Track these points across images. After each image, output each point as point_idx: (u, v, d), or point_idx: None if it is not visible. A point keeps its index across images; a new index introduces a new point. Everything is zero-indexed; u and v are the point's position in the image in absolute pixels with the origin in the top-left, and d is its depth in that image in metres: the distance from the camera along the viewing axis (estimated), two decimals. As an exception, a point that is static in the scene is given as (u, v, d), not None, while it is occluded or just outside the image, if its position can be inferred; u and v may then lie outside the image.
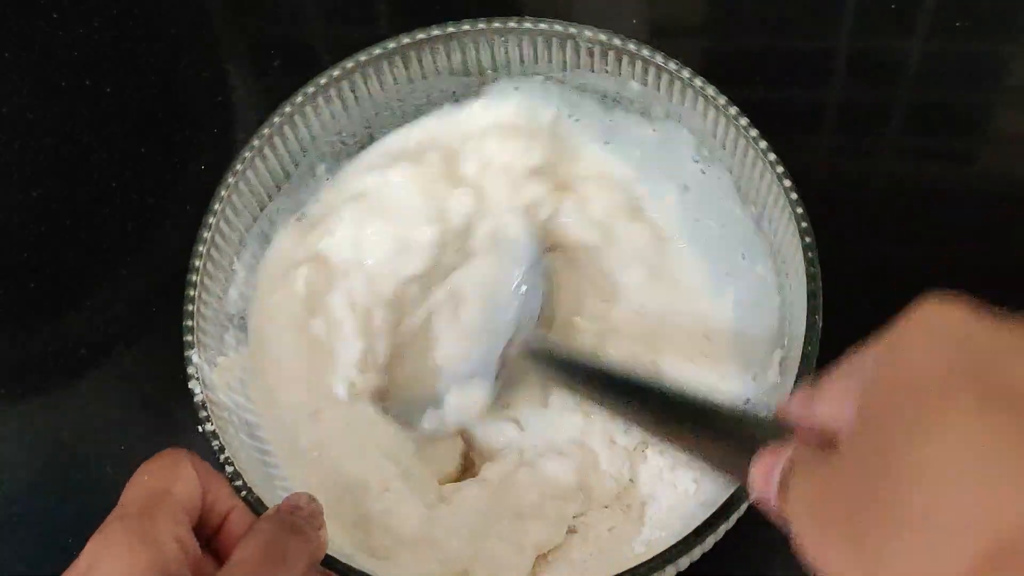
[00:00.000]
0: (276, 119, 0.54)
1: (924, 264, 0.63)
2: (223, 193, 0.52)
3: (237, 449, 0.47)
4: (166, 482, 0.41)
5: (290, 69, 0.71)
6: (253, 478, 0.46)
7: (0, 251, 0.66)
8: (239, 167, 0.53)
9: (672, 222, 0.57)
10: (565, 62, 0.55)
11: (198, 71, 0.72)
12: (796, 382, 0.46)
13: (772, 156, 0.50)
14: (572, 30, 0.54)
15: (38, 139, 0.69)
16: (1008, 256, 0.64)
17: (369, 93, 0.56)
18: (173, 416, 0.60)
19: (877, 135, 0.68)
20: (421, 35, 0.55)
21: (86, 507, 0.57)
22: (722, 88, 0.52)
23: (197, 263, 0.50)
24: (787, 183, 0.49)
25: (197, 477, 0.42)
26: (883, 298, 0.61)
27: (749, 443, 0.36)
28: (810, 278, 0.47)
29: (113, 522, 0.39)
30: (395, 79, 0.56)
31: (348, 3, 0.75)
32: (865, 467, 0.30)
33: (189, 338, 0.49)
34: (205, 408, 0.47)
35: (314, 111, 0.55)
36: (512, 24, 0.54)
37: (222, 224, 0.52)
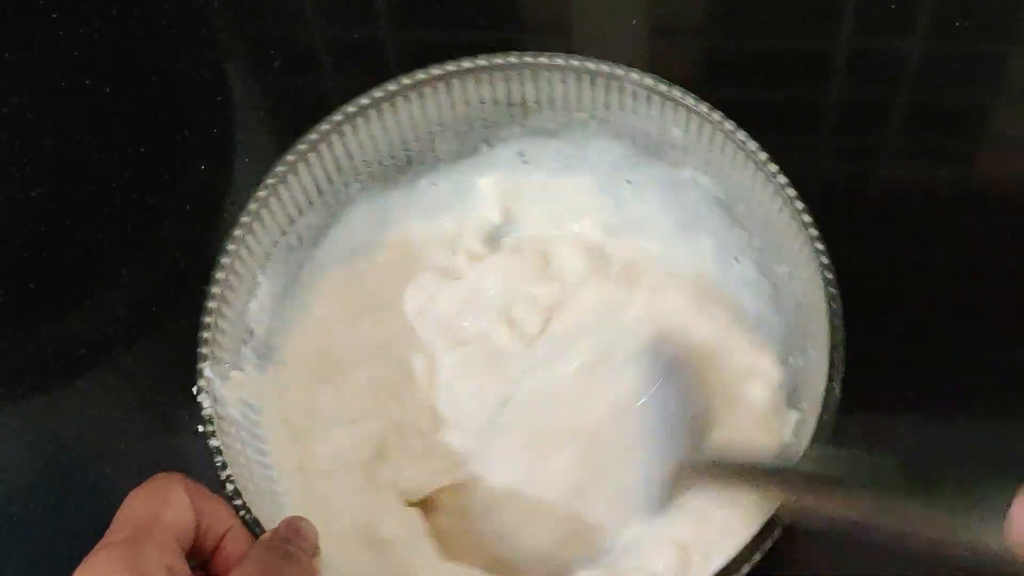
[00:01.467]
0: (313, 135, 0.53)
1: (924, 264, 0.63)
2: (252, 207, 0.51)
3: (242, 466, 0.47)
4: (156, 508, 0.40)
5: (290, 69, 0.71)
6: (255, 497, 0.46)
7: (0, 251, 0.66)
8: (271, 181, 0.52)
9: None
10: (608, 102, 0.55)
11: (198, 71, 0.72)
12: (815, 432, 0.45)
13: (807, 218, 0.50)
14: (619, 71, 0.53)
15: (38, 139, 0.69)
16: (1008, 256, 0.64)
17: (411, 116, 0.55)
18: (173, 416, 0.60)
19: (877, 135, 0.68)
20: (467, 64, 0.54)
21: (86, 507, 0.57)
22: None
23: (220, 275, 0.49)
24: (819, 246, 0.49)
25: (189, 501, 0.41)
26: (883, 299, 0.61)
27: (986, 500, 0.36)
28: (833, 339, 0.47)
29: (100, 550, 0.39)
30: (439, 104, 0.55)
31: (348, 3, 0.75)
32: None
33: (204, 350, 0.48)
34: (212, 423, 0.46)
35: (352, 130, 0.54)
36: (559, 61, 0.54)
37: (248, 238, 0.51)
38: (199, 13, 0.74)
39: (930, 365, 0.59)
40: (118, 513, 0.41)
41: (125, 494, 0.42)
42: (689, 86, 0.53)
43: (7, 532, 0.58)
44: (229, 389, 0.49)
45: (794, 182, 0.50)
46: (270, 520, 0.45)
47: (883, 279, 0.62)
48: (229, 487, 0.45)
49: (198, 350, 0.48)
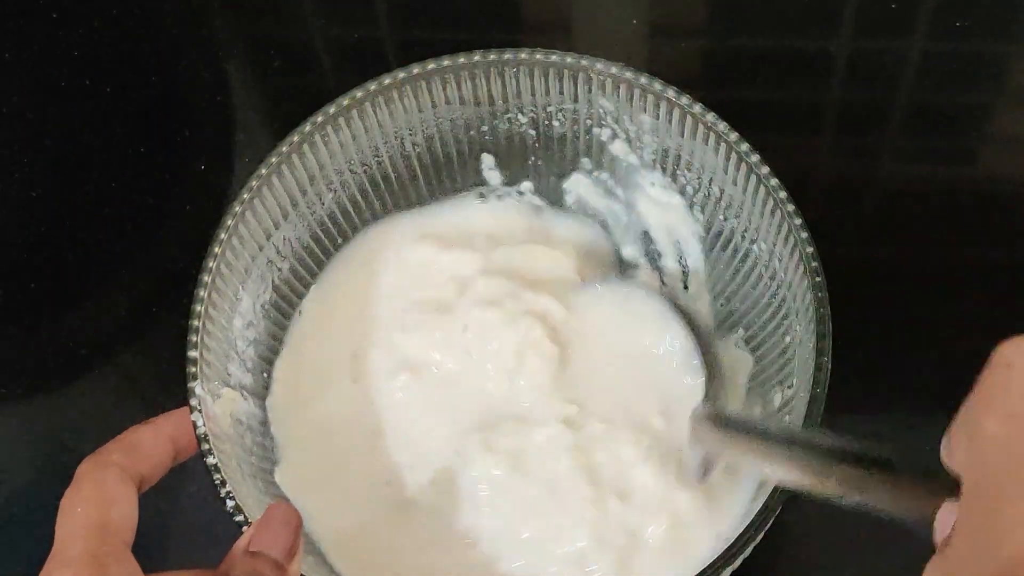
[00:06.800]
0: (284, 148, 0.53)
1: (924, 264, 0.63)
2: (229, 223, 0.51)
3: (239, 482, 0.47)
4: (101, 511, 0.37)
5: (290, 69, 0.71)
6: (257, 512, 0.46)
7: (0, 251, 0.66)
8: (246, 196, 0.52)
9: None
10: (576, 94, 0.55)
11: (198, 71, 0.72)
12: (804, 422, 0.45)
13: (783, 194, 0.50)
14: (584, 62, 0.53)
15: (38, 139, 0.69)
16: (1008, 256, 0.64)
17: (378, 122, 0.55)
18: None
19: (877, 136, 0.68)
20: (432, 65, 0.54)
21: (86, 507, 0.57)
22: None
23: (202, 293, 0.49)
24: (798, 221, 0.49)
25: (129, 492, 0.39)
26: (883, 299, 0.61)
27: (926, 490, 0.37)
28: (819, 320, 0.47)
29: (60, 570, 0.36)
30: (405, 108, 0.55)
31: (348, 3, 0.75)
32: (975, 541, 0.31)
33: (193, 369, 0.48)
34: (207, 441, 0.46)
35: (323, 140, 0.54)
36: (524, 56, 0.54)
37: (228, 253, 0.51)
38: (199, 13, 0.74)
39: (929, 365, 0.59)
40: (60, 520, 0.37)
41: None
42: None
43: (7, 532, 0.58)
44: (221, 406, 0.49)
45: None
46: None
47: (883, 279, 0.62)
48: (230, 503, 0.45)
49: (187, 370, 0.48)
